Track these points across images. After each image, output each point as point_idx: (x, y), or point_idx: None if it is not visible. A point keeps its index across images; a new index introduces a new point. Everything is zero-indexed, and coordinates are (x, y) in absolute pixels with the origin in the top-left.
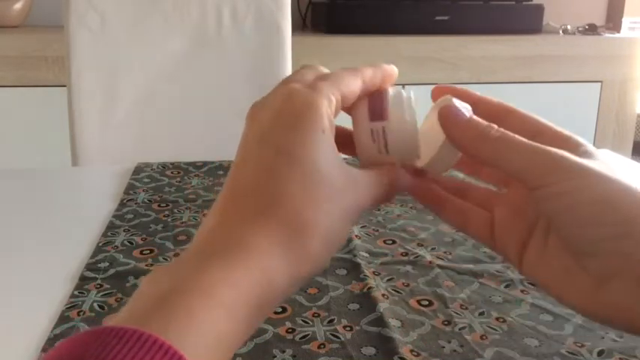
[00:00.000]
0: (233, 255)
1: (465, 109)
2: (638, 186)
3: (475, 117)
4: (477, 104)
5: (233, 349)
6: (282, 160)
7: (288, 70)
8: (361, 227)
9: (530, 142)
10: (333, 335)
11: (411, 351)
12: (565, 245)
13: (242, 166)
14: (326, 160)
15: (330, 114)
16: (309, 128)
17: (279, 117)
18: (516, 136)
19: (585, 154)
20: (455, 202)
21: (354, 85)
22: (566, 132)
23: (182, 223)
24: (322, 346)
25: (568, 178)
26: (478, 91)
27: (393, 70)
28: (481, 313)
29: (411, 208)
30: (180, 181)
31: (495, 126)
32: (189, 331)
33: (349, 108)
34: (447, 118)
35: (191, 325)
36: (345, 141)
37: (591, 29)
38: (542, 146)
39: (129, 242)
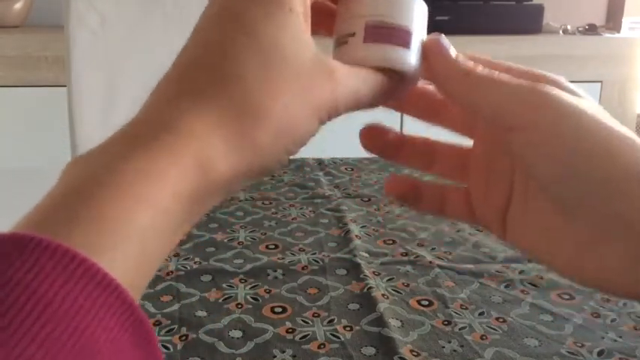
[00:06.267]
0: (158, 141)
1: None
2: (632, 135)
3: (461, 56)
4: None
5: (164, 249)
6: (240, 36)
7: None
8: (361, 227)
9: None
10: (333, 335)
11: (411, 351)
12: (544, 207)
13: (194, 40)
14: (292, 41)
15: None
16: (274, 3)
17: None
18: (503, 74)
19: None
20: (428, 187)
21: None
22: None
23: None
24: (322, 346)
25: (554, 120)
26: None
27: None
28: (481, 313)
29: None
30: None
31: (481, 66)
32: (100, 235)
33: None
34: (433, 51)
35: (103, 228)
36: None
37: (591, 29)
38: (528, 82)
39: None
